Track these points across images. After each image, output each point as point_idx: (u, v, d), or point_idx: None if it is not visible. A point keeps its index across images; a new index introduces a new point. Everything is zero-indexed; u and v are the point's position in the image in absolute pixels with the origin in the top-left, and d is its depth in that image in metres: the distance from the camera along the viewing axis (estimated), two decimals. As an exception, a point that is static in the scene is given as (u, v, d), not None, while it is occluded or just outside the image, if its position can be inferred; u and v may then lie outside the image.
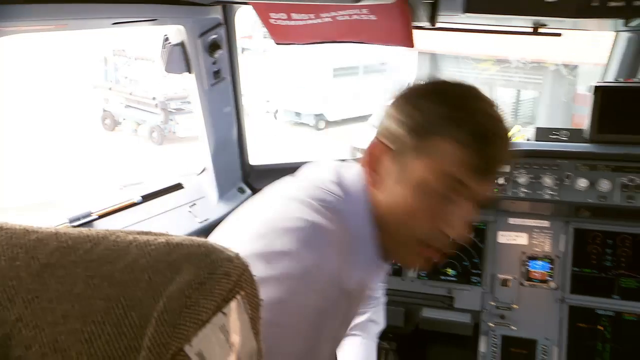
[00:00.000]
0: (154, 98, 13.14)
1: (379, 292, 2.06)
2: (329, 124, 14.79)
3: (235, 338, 0.74)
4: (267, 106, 16.72)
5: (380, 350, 3.23)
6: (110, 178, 10.64)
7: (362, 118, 14.34)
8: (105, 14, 1.83)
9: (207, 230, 2.24)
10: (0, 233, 0.70)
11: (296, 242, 1.14)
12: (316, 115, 14.80)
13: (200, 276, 0.67)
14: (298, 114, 15.03)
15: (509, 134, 1.15)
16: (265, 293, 0.86)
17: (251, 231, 1.20)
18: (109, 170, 11.46)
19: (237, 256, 0.74)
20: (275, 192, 1.36)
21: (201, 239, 0.73)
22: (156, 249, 0.69)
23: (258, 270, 0.79)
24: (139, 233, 0.74)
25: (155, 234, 0.73)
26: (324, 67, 15.47)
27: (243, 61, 2.70)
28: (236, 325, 0.74)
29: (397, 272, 3.08)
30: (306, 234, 1.16)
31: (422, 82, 1.24)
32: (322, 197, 1.24)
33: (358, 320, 1.93)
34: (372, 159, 1.20)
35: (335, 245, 1.17)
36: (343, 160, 1.39)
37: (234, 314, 0.73)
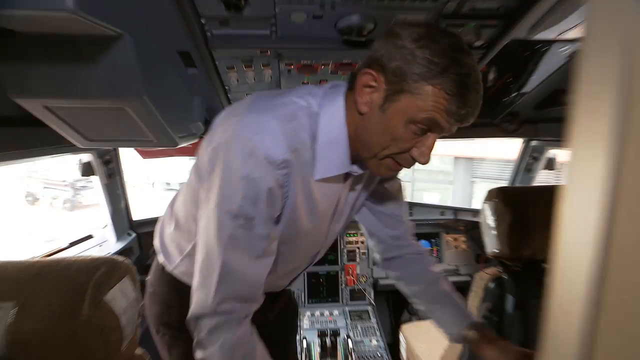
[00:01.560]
0: (64, 181, 12.47)
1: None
2: (189, 187, 14.63)
3: (127, 293, 1.02)
4: (148, 180, 16.17)
5: None
6: (36, 236, 9.59)
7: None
8: (42, 153, 1.66)
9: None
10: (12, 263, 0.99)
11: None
12: (180, 183, 14.41)
13: (109, 269, 0.97)
14: (169, 183, 14.56)
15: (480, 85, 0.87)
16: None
17: None
18: (36, 231, 10.30)
19: (125, 260, 1.05)
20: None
21: (108, 256, 1.03)
22: (88, 260, 0.98)
23: None
24: (78, 256, 1.01)
25: (86, 256, 1.01)
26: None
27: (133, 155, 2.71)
28: (126, 287, 1.02)
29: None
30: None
31: (415, 24, 0.89)
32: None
33: None
34: (362, 84, 0.91)
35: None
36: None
37: (125, 283, 1.01)
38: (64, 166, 12.75)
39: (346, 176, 1.07)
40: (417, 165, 1.01)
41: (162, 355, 1.38)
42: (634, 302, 0.29)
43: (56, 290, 0.93)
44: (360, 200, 1.27)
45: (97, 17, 0.82)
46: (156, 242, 1.35)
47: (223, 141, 0.90)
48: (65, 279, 0.94)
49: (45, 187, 12.94)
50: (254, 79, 1.59)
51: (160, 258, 1.33)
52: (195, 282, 1.00)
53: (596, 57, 0.30)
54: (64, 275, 0.95)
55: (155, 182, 16.40)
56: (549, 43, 1.42)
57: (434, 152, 0.96)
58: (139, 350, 1.10)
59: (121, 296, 1.00)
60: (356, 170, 1.03)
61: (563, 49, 1.44)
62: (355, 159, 1.01)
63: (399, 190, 1.39)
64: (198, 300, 0.99)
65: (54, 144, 1.55)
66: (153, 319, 1.37)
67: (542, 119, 2.04)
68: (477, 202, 3.09)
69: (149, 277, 1.40)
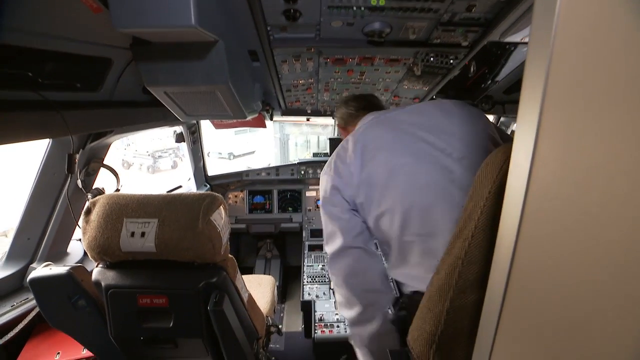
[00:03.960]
0: (147, 151, 12.69)
1: None
2: (235, 157, 14.51)
3: (222, 216, 1.13)
4: (205, 150, 16.26)
5: None
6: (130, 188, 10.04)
7: (250, 153, 14.49)
8: (155, 125, 1.79)
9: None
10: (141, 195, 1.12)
11: None
12: (229, 152, 14.41)
13: (211, 200, 1.08)
14: (220, 153, 14.55)
15: None
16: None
17: None
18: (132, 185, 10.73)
19: (219, 195, 1.14)
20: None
21: (210, 192, 1.18)
22: (198, 195, 1.08)
23: None
24: (191, 192, 1.11)
25: (197, 192, 1.08)
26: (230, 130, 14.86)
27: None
28: (222, 212, 1.13)
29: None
30: None
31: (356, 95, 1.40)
32: None
33: None
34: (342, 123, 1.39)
35: None
36: None
37: (220, 210, 1.12)
38: (147, 140, 12.91)
39: None
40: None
41: None
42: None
43: (181, 212, 1.06)
44: None
45: (206, 28, 0.91)
46: None
47: None
48: (186, 205, 1.08)
49: (134, 157, 13.24)
50: (300, 69, 1.63)
51: None
52: None
53: (532, 58, 0.36)
54: (185, 203, 1.09)
55: (210, 152, 16.50)
56: (515, 44, 1.47)
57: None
58: (230, 255, 1.23)
59: (219, 217, 1.12)
60: None
61: (525, 49, 1.48)
62: None
63: None
64: None
65: (161, 120, 1.67)
66: None
67: (509, 101, 2.05)
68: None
69: None
